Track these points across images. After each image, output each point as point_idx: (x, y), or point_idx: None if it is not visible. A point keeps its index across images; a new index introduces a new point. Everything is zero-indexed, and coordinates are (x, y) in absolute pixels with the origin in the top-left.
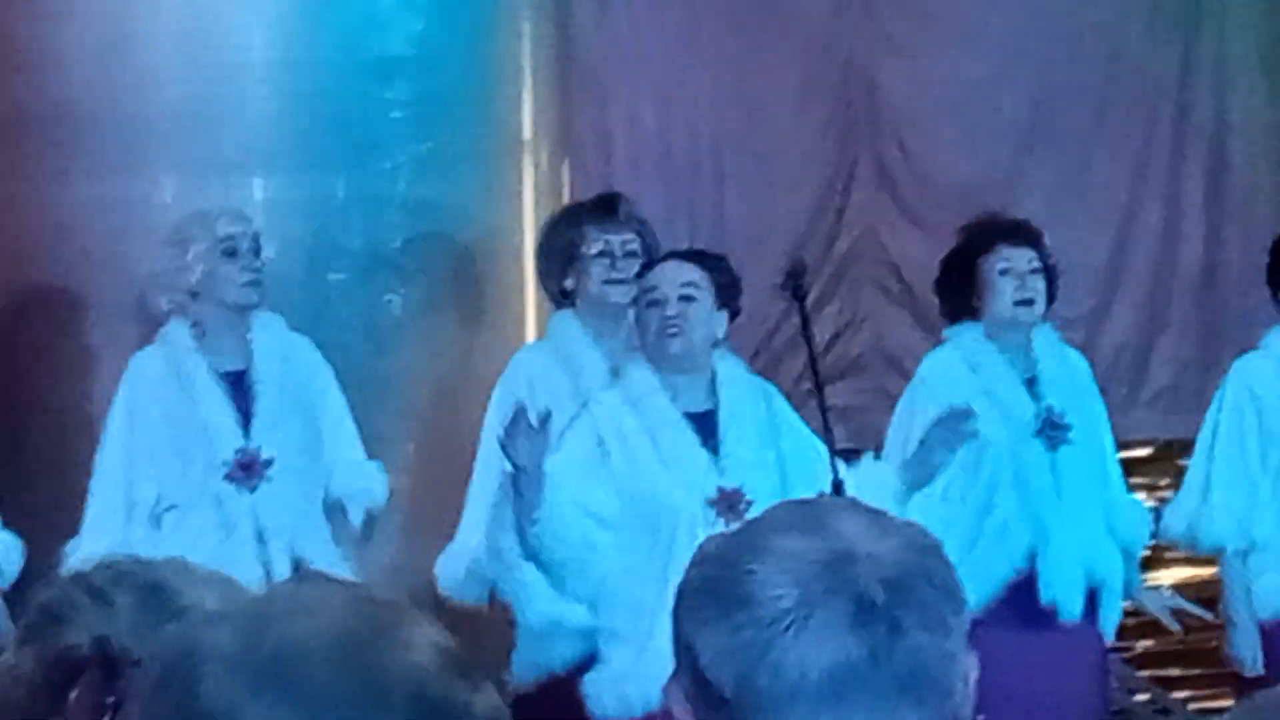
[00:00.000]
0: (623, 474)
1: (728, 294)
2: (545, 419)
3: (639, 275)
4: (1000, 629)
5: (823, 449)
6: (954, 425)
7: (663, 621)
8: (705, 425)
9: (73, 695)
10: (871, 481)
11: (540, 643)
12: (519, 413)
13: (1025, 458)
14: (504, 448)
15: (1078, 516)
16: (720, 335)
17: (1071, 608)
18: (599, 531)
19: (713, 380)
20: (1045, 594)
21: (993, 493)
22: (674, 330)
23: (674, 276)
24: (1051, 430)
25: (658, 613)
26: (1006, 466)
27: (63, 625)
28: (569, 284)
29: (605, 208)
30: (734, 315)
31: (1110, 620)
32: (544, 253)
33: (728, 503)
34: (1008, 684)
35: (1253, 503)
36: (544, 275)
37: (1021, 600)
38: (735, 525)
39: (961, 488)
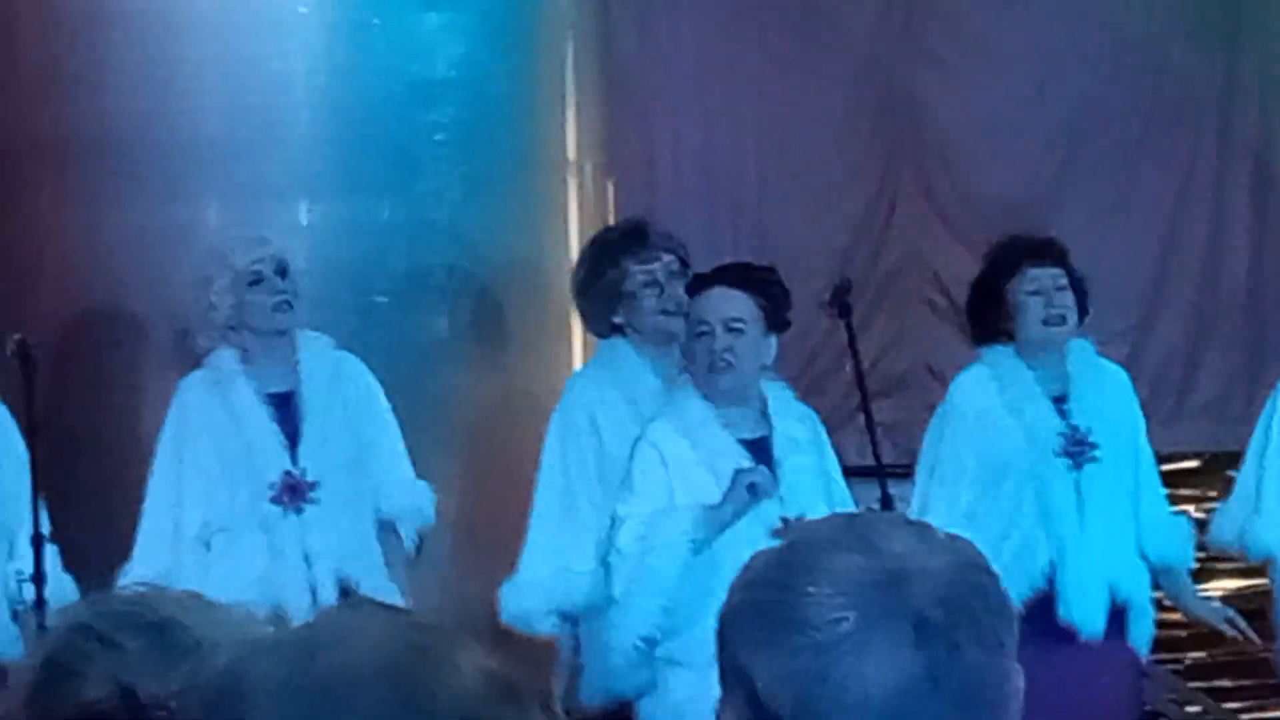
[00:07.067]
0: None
1: (777, 315)
2: None
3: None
4: (1024, 647)
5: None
6: None
7: None
8: (759, 452)
9: None
10: None
11: (617, 668)
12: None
13: (1048, 476)
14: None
15: (1100, 535)
16: (769, 361)
17: (1092, 627)
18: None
19: (763, 407)
20: (1063, 613)
21: (1014, 511)
22: (723, 364)
23: (721, 308)
24: (1076, 449)
25: None
26: (1029, 485)
27: (77, 679)
28: (618, 319)
29: (636, 237)
30: (785, 328)
31: (1142, 637)
32: (585, 292)
33: None
34: (1033, 702)
35: None
36: (589, 313)
37: (1045, 618)
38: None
39: (984, 505)
